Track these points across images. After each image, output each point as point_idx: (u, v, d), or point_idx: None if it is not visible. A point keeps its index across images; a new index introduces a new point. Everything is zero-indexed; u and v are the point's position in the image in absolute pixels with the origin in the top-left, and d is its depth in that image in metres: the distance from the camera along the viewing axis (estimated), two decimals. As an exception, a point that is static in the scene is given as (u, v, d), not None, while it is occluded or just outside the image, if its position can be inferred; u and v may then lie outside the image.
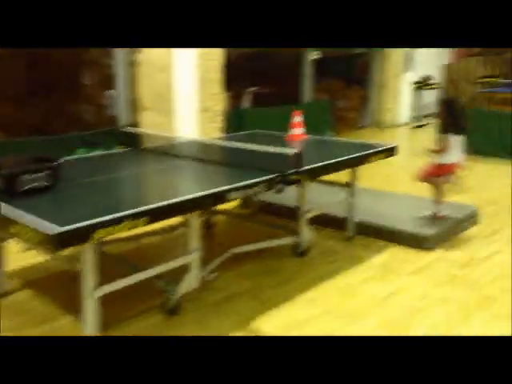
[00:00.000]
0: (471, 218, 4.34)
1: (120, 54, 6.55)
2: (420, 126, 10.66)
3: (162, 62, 6.67)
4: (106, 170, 3.25)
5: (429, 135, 9.22)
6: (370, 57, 10.70)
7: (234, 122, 8.21)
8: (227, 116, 8.11)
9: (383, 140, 9.39)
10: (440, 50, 12.25)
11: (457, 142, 3.83)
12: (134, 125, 6.48)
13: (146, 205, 2.29)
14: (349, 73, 11.20)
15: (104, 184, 2.87)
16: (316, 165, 3.23)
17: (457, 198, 5.11)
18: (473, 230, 4.24)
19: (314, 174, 3.26)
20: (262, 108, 8.72)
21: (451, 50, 12.61)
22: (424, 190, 4.31)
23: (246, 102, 9.23)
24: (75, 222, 1.99)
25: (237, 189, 2.76)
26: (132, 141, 4.29)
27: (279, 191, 4.02)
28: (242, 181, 2.80)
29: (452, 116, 3.88)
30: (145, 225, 2.26)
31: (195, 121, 7.35)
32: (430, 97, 12.00)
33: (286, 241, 3.66)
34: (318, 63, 9.48)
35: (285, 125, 9.15)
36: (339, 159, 3.47)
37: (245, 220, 4.43)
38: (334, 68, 11.18)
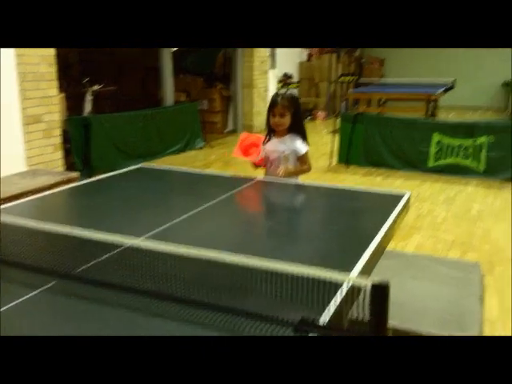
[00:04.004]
0: (482, 285, 3.04)
1: None
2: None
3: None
4: None
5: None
6: (232, 50, 9.14)
7: (77, 135, 5.90)
8: (66, 127, 5.77)
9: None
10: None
11: None
12: None
13: None
14: (208, 69, 9.48)
15: None
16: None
17: (414, 242, 3.87)
18: (493, 306, 2.92)
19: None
20: (115, 114, 6.51)
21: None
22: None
23: (88, 106, 6.89)
24: None
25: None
26: None
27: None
28: None
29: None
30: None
31: (19, 138, 4.90)
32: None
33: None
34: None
35: (147, 136, 7.24)
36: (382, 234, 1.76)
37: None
38: (190, 62, 9.36)
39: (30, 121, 4.91)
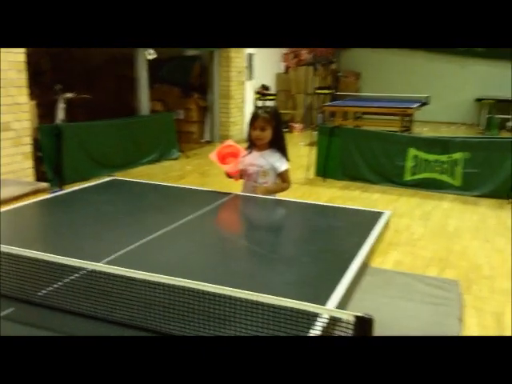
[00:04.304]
0: (461, 304, 3.00)
1: None
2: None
3: None
4: None
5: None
6: (208, 60, 9.07)
7: (48, 143, 5.70)
8: (38, 136, 5.58)
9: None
10: (274, 56, 11.32)
11: None
12: None
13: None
14: (184, 78, 9.36)
15: None
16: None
17: (392, 258, 3.82)
18: (472, 326, 2.87)
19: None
20: (88, 123, 6.35)
21: (283, 57, 11.78)
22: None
23: (61, 114, 6.70)
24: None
25: None
26: None
27: None
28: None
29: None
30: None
31: (-13, 146, 4.71)
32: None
33: None
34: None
35: (122, 146, 7.04)
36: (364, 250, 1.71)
37: None
38: (165, 72, 9.23)
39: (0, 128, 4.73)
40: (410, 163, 6.04)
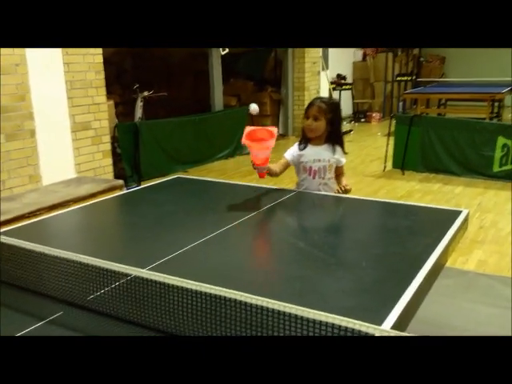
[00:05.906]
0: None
1: None
2: (346, 133, 9.16)
3: (6, 60, 4.20)
4: None
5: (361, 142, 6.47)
6: (283, 52, 8.95)
7: (126, 141, 5.91)
8: (116, 134, 5.80)
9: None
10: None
11: None
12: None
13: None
14: (258, 72, 9.34)
15: None
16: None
17: (475, 258, 3.50)
18: None
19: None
20: (163, 120, 6.51)
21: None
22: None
23: (139, 112, 6.93)
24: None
25: None
26: None
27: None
28: None
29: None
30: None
31: (68, 145, 4.95)
32: (346, 99, 10.58)
33: None
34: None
35: (196, 142, 7.20)
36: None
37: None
38: (240, 66, 9.26)
39: (78, 128, 4.95)
40: (498, 153, 5.56)
